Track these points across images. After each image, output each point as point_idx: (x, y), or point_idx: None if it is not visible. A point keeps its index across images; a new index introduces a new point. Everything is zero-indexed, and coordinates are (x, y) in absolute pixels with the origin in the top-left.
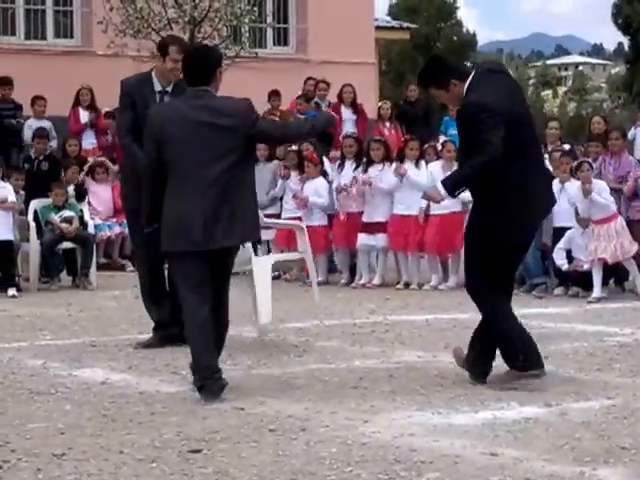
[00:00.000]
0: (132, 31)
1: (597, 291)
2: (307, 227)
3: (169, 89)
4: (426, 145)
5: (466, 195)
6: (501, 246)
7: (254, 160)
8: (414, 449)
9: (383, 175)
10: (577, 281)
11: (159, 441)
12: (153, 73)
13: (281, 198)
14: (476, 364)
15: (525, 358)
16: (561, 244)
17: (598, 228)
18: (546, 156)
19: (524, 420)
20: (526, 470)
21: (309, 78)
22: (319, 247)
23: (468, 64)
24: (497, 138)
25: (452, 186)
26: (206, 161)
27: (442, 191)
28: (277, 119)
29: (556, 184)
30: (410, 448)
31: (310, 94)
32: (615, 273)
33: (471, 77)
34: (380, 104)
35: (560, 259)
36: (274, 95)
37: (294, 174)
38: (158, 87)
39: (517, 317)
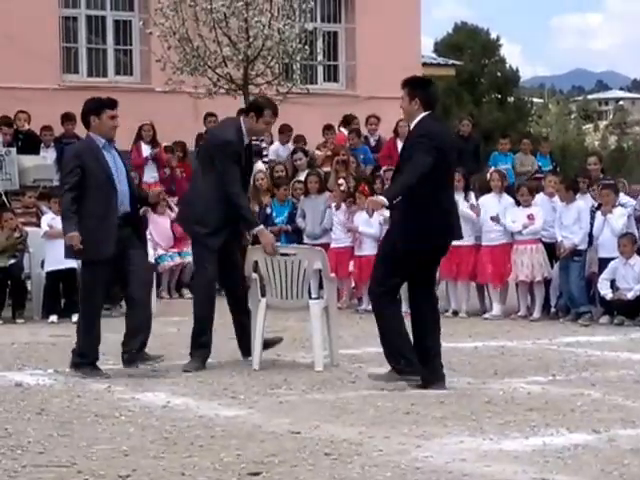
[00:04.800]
0: (189, 69)
1: None
2: (359, 256)
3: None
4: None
5: (514, 226)
6: None
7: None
8: (466, 474)
9: None
10: (621, 310)
11: (219, 464)
12: (243, 127)
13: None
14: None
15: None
16: (605, 274)
17: None
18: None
19: (573, 446)
20: None
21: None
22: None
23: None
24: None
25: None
26: None
27: (382, 199)
28: (330, 152)
29: (599, 216)
30: (462, 473)
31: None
32: None
33: (426, 114)
34: None
35: (605, 288)
36: (327, 130)
37: (343, 205)
38: (246, 140)
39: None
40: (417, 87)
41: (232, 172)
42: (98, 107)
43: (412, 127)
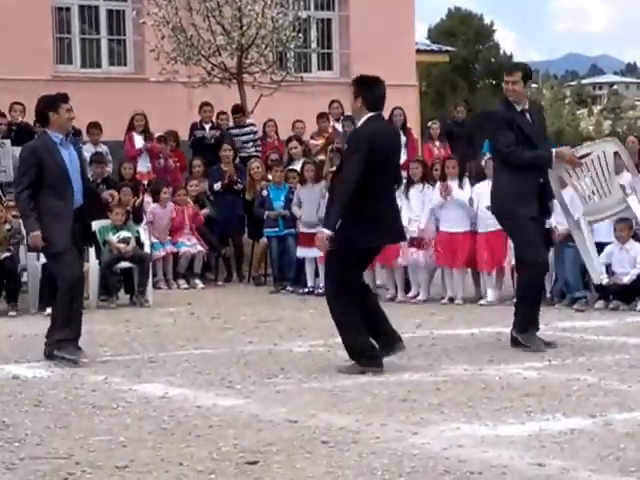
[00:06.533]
0: (183, 58)
1: None
2: None
3: (526, 107)
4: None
5: None
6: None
7: None
8: (463, 460)
9: (425, 194)
10: (617, 294)
11: (217, 453)
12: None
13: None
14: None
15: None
16: (601, 259)
17: None
18: None
19: (569, 431)
20: None
21: (333, 101)
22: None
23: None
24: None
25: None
26: None
27: (326, 232)
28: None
29: None
30: (459, 459)
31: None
32: None
33: (372, 114)
34: (429, 123)
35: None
36: (321, 118)
37: None
38: (518, 107)
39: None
40: (362, 86)
41: (502, 138)
42: (54, 102)
43: (358, 126)
